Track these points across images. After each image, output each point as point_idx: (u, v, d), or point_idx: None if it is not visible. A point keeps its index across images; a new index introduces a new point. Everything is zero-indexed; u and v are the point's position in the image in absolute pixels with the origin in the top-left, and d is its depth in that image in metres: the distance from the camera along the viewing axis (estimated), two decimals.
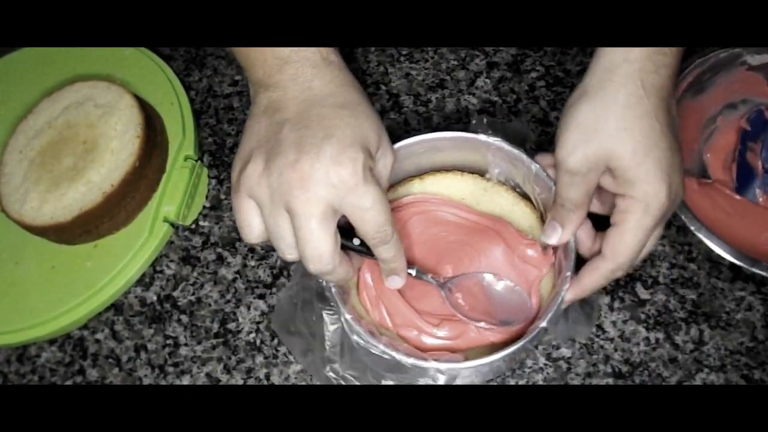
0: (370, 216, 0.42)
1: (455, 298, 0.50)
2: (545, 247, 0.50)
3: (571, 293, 0.47)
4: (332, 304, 0.48)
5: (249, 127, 0.45)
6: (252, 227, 0.44)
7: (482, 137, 0.51)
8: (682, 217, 0.51)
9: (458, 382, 0.46)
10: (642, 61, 0.43)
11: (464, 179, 0.54)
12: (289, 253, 0.43)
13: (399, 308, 0.50)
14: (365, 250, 0.45)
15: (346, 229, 0.44)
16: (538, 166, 0.50)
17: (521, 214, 0.53)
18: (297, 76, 0.44)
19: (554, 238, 0.48)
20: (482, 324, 0.49)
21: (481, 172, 0.54)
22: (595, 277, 0.46)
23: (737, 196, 0.55)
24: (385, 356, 0.45)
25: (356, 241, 0.45)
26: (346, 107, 0.44)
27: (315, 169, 0.41)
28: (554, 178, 0.49)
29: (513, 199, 0.54)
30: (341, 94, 0.44)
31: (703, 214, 0.52)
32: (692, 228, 0.51)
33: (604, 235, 0.46)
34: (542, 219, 0.52)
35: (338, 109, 0.43)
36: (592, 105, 0.44)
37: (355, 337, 0.46)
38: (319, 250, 0.42)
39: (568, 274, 0.47)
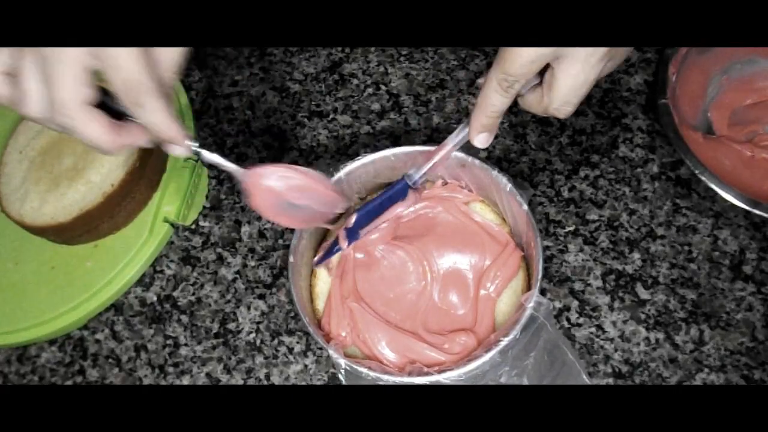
0: (121, 63, 0.36)
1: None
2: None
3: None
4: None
5: None
6: None
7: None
8: (690, 165, 0.52)
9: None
10: None
11: None
12: (34, 106, 0.37)
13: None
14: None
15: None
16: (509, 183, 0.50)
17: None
18: None
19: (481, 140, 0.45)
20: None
21: None
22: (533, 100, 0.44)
23: (744, 150, 0.56)
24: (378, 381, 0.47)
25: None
26: None
27: None
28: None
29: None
30: None
31: (709, 165, 0.53)
32: (703, 177, 0.52)
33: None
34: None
35: None
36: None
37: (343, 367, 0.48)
38: (60, 97, 0.36)
39: (539, 277, 0.47)
